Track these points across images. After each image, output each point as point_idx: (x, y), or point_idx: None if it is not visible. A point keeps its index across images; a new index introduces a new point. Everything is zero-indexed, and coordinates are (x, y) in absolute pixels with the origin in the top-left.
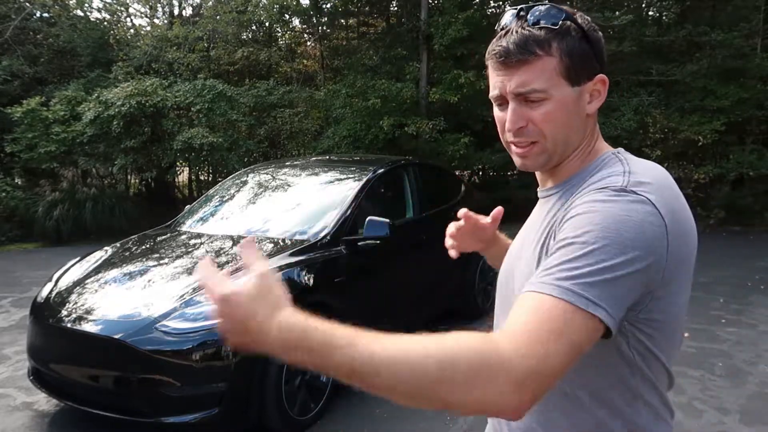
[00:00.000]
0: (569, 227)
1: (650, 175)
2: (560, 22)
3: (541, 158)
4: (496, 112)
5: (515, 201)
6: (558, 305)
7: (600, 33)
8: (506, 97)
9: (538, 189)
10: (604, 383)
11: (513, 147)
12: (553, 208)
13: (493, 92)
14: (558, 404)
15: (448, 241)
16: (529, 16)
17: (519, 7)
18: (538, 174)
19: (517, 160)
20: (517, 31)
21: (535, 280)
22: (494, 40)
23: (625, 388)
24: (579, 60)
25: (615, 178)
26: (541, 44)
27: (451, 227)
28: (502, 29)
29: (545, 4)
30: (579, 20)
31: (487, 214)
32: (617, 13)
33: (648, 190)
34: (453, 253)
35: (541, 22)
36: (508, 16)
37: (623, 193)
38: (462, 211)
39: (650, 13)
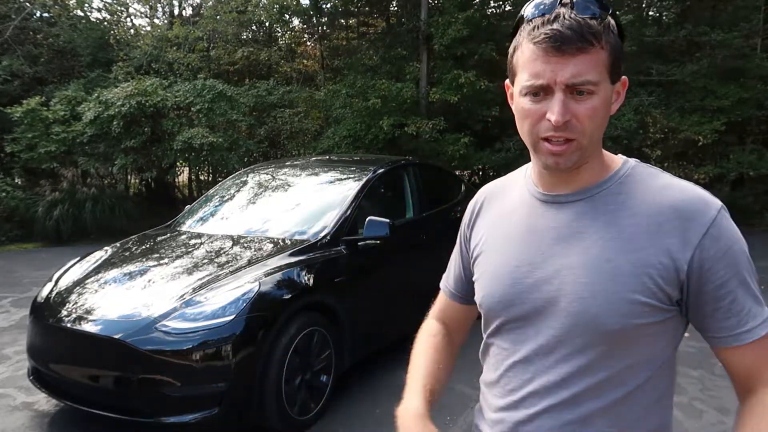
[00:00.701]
0: (722, 266)
1: None
2: (608, 17)
3: (575, 156)
4: (525, 103)
5: None
6: None
7: None
8: (552, 87)
9: (542, 192)
10: (668, 381)
11: (546, 144)
12: (614, 216)
13: (535, 81)
14: (632, 407)
15: None
16: (575, 5)
17: None
18: (540, 174)
19: (548, 159)
20: (569, 17)
21: (751, 325)
22: (537, 23)
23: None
24: (619, 57)
25: (700, 192)
26: (596, 35)
27: None
28: (550, 15)
29: None
30: (617, 18)
31: None
32: (617, 13)
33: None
34: None
35: (591, 12)
36: (543, 2)
37: (725, 211)
38: None
39: (650, 13)
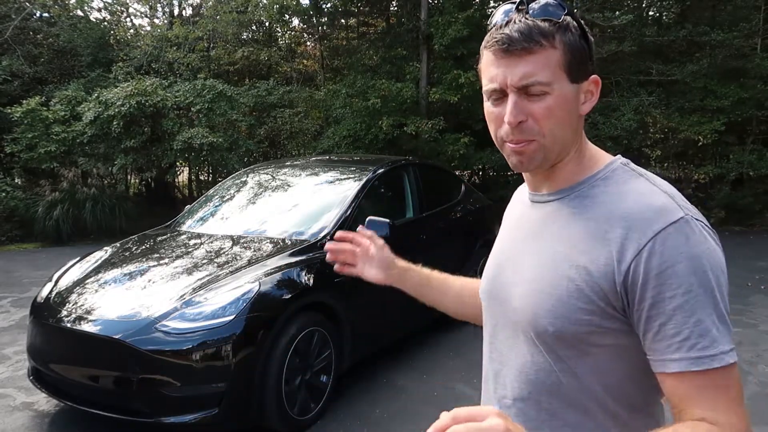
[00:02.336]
0: (659, 283)
1: (675, 190)
2: (562, 16)
3: (538, 157)
4: (489, 107)
5: None
6: (730, 370)
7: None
8: (505, 90)
9: (530, 192)
10: (638, 407)
11: (508, 145)
12: (571, 219)
13: (490, 85)
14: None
15: (331, 256)
16: (530, 9)
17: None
18: (527, 177)
19: (512, 160)
20: (520, 21)
21: (681, 356)
22: (492, 31)
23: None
24: (579, 57)
25: (663, 200)
26: (545, 35)
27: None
28: (503, 21)
29: None
30: (576, 19)
31: (488, 213)
32: (617, 13)
33: (694, 211)
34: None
35: (544, 14)
36: (504, 10)
37: (685, 224)
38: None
39: (650, 13)
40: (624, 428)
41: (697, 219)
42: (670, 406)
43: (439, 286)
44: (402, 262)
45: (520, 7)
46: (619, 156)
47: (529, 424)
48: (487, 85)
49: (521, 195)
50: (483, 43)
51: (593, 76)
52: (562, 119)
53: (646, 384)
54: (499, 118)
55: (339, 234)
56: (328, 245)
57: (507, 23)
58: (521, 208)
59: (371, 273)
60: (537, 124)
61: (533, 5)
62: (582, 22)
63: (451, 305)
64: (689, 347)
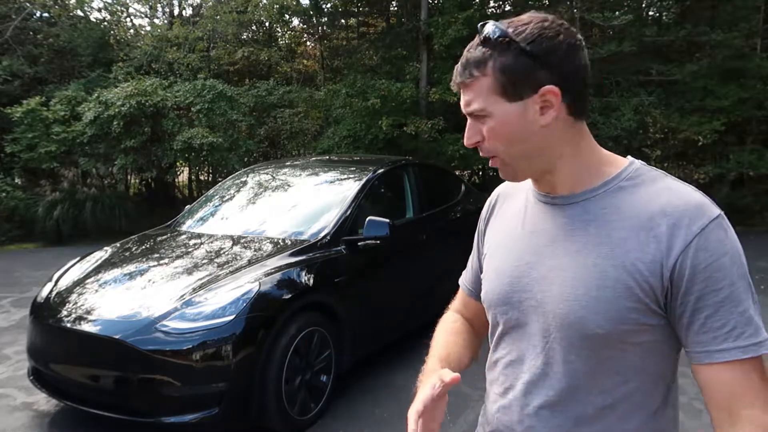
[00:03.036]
0: (706, 277)
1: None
2: (495, 40)
3: (507, 171)
4: None
5: None
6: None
7: (561, 39)
8: (466, 115)
9: (540, 193)
10: (664, 395)
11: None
12: (607, 219)
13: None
14: (623, 416)
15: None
16: (481, 34)
17: (479, 24)
18: (532, 180)
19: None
20: (465, 55)
21: (729, 345)
22: None
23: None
24: (515, 75)
25: (699, 198)
26: (478, 65)
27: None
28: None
29: (490, 23)
30: (526, 32)
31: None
32: (617, 13)
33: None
34: None
35: (482, 41)
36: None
37: (722, 220)
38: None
39: (650, 13)
40: (650, 426)
41: (723, 214)
42: (710, 406)
43: (460, 354)
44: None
45: (479, 32)
46: (630, 157)
47: (554, 431)
48: None
49: (519, 193)
50: None
51: (546, 87)
52: (509, 137)
53: (670, 379)
54: None
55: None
56: None
57: (463, 56)
58: (531, 210)
59: (441, 410)
60: (488, 143)
61: (481, 31)
62: (533, 34)
63: (470, 347)
64: (736, 336)
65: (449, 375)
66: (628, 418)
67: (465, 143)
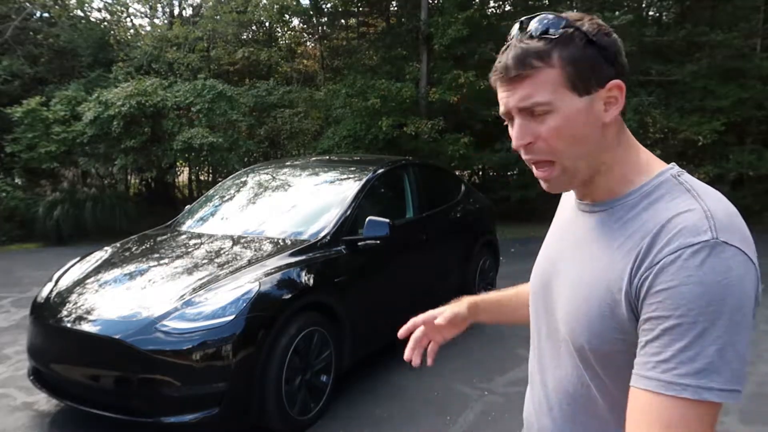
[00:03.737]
0: (663, 303)
1: (725, 209)
2: (560, 31)
3: (563, 179)
4: (510, 131)
5: (515, 201)
6: (694, 406)
7: (614, 36)
8: (511, 113)
9: (576, 199)
10: None
11: (534, 168)
12: (612, 234)
13: (501, 110)
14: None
15: (411, 349)
16: (529, 28)
17: (522, 19)
18: None
19: (542, 183)
20: (516, 46)
21: (650, 374)
22: (499, 55)
23: None
24: (584, 68)
25: (695, 220)
26: (540, 56)
27: (417, 332)
28: (505, 47)
29: (543, 14)
30: (585, 26)
31: (488, 213)
32: (617, 13)
33: (736, 236)
34: (417, 360)
35: (541, 32)
36: (514, 30)
37: (717, 248)
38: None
39: (650, 13)
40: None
41: (731, 245)
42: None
43: (510, 303)
44: (469, 302)
45: (522, 26)
46: (672, 165)
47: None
48: (500, 110)
49: (570, 198)
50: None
51: (613, 81)
52: (574, 136)
53: None
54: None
55: (402, 331)
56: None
57: (507, 49)
58: (569, 214)
59: (450, 333)
60: (545, 144)
61: (532, 24)
62: (594, 27)
63: (527, 316)
64: (664, 370)
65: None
66: (596, 422)
67: (514, 145)
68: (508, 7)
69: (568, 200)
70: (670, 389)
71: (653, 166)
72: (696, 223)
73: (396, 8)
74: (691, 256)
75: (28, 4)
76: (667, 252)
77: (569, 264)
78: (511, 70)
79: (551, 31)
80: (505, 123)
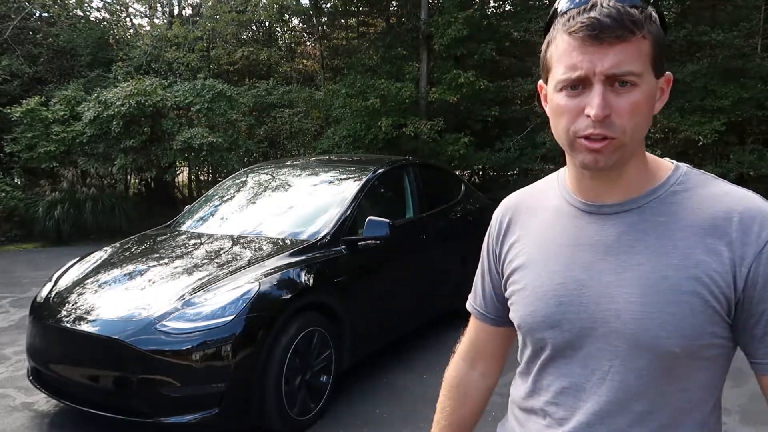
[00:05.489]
0: None
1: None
2: (646, 7)
3: (615, 156)
4: (561, 99)
5: None
6: None
7: None
8: (591, 79)
9: (581, 200)
10: (717, 415)
11: (583, 142)
12: (667, 229)
13: (571, 74)
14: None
15: None
16: None
17: None
18: (581, 183)
19: (585, 158)
20: (608, 5)
21: None
22: (572, 13)
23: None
24: (662, 50)
25: (759, 205)
26: (636, 23)
27: None
28: (585, 3)
29: None
30: (659, 9)
31: (488, 213)
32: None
33: None
34: None
35: (630, 2)
36: None
37: None
38: None
39: None
40: None
41: None
42: None
43: (454, 414)
44: None
45: None
46: (675, 162)
47: None
48: (565, 74)
49: (541, 205)
50: (558, 27)
51: (668, 72)
52: (645, 117)
53: (721, 388)
54: (575, 111)
55: None
56: None
57: (593, 6)
58: (569, 221)
59: None
60: (620, 120)
61: None
62: (662, 13)
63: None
64: None
65: None
66: (684, 430)
67: (599, 113)
68: (508, 7)
69: (545, 216)
70: None
71: (662, 161)
72: (764, 203)
73: (396, 8)
74: None
75: (27, 4)
76: (764, 237)
77: (613, 273)
78: (610, 29)
79: (641, 3)
80: (571, 85)
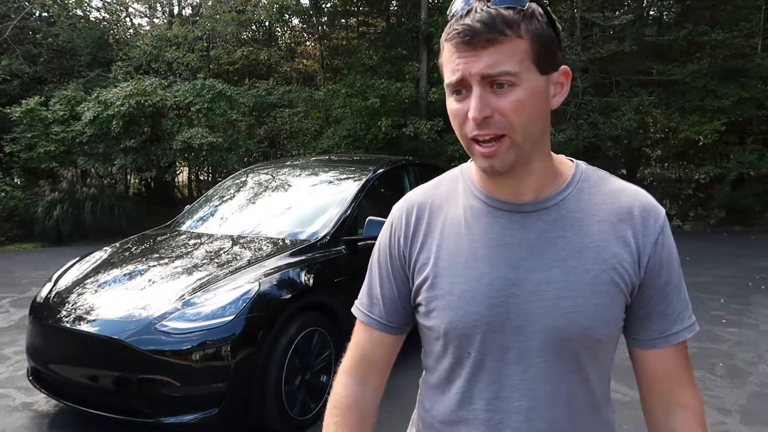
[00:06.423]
0: (666, 270)
1: None
2: (527, 3)
3: (510, 156)
4: (452, 104)
5: None
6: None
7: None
8: (469, 81)
9: (497, 198)
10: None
11: (476, 146)
12: (582, 224)
13: (453, 77)
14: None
15: None
16: None
17: None
18: (491, 182)
19: (482, 162)
20: (482, 10)
21: (678, 328)
22: (452, 21)
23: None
24: (547, 46)
25: (649, 197)
26: (510, 24)
27: None
28: (463, 11)
29: None
30: (544, 5)
31: None
32: (617, 12)
33: None
34: None
35: (507, 2)
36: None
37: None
38: None
39: (650, 12)
40: (602, 419)
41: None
42: (647, 386)
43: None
44: None
45: None
46: (571, 158)
47: None
48: (449, 78)
49: (449, 203)
50: (443, 36)
51: (563, 66)
52: (533, 113)
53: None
54: (462, 114)
55: None
56: None
57: (468, 12)
58: (487, 220)
59: None
60: (505, 119)
61: None
62: (549, 9)
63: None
64: (682, 319)
65: None
66: (593, 414)
67: (475, 116)
68: None
69: (441, 223)
70: (693, 329)
71: (564, 160)
72: (651, 198)
73: (396, 8)
74: (667, 225)
75: (27, 4)
76: (659, 227)
77: (541, 270)
78: (480, 34)
79: (519, 2)
80: (455, 90)
